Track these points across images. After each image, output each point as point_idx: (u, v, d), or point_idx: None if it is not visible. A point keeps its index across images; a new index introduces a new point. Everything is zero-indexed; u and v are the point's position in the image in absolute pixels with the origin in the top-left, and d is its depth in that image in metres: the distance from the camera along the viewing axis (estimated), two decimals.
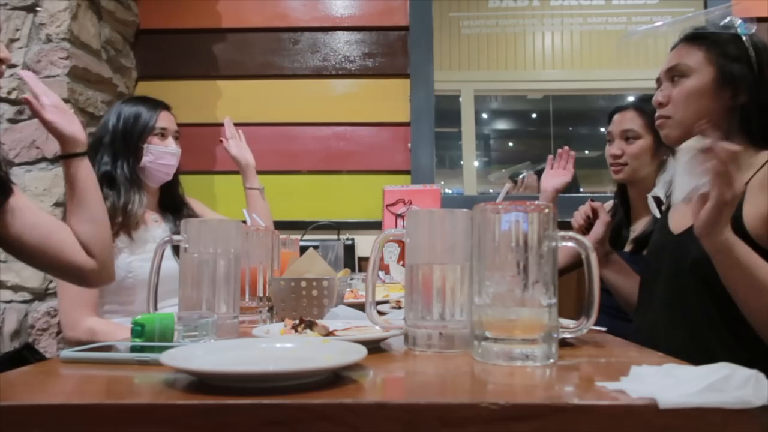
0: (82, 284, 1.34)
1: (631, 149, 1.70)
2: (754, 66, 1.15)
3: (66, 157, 1.27)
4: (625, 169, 1.71)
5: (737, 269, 0.99)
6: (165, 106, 1.81)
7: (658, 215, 1.48)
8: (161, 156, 1.74)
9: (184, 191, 1.92)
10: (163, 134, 1.76)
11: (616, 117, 1.76)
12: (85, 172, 1.28)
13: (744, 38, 1.17)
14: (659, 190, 1.47)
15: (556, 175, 1.87)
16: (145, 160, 1.72)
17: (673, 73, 1.22)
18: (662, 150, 1.68)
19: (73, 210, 1.28)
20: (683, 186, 1.00)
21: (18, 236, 1.20)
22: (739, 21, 1.19)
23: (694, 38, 1.22)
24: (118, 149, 1.71)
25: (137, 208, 1.68)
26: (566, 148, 1.90)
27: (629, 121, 1.72)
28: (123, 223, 1.65)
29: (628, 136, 1.71)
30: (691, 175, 0.99)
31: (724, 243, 0.98)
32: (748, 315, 1.03)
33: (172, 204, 1.86)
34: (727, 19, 1.20)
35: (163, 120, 1.77)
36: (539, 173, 1.99)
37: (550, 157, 1.93)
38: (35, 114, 1.22)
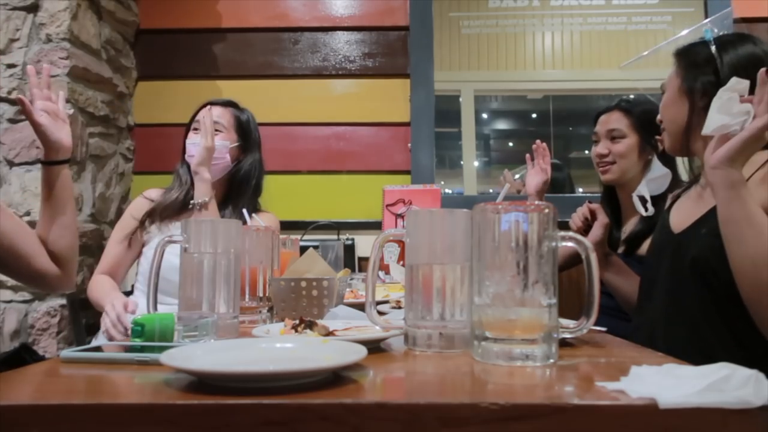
0: (44, 289, 1.35)
1: (618, 148, 1.72)
2: (719, 69, 1.18)
3: (47, 163, 1.27)
4: (613, 168, 1.73)
5: (742, 209, 1.00)
6: (212, 102, 1.85)
7: (643, 213, 1.50)
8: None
9: (258, 196, 1.88)
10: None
11: (602, 118, 1.78)
12: (64, 179, 1.29)
13: (711, 43, 1.21)
14: (643, 189, 1.48)
15: (535, 174, 1.88)
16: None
17: (661, 91, 1.33)
18: (648, 150, 1.70)
19: (46, 215, 1.28)
20: (714, 122, 1.03)
21: None
22: (709, 25, 1.22)
23: (675, 55, 1.30)
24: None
25: (178, 196, 1.75)
26: (538, 142, 1.91)
27: (615, 121, 1.74)
28: (161, 212, 1.73)
29: (613, 136, 1.73)
30: (727, 115, 1.02)
31: (739, 178, 1.00)
32: (741, 260, 1.01)
33: (234, 204, 1.80)
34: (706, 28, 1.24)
35: (201, 114, 1.78)
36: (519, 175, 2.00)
37: (528, 156, 1.93)
38: (26, 114, 1.22)
